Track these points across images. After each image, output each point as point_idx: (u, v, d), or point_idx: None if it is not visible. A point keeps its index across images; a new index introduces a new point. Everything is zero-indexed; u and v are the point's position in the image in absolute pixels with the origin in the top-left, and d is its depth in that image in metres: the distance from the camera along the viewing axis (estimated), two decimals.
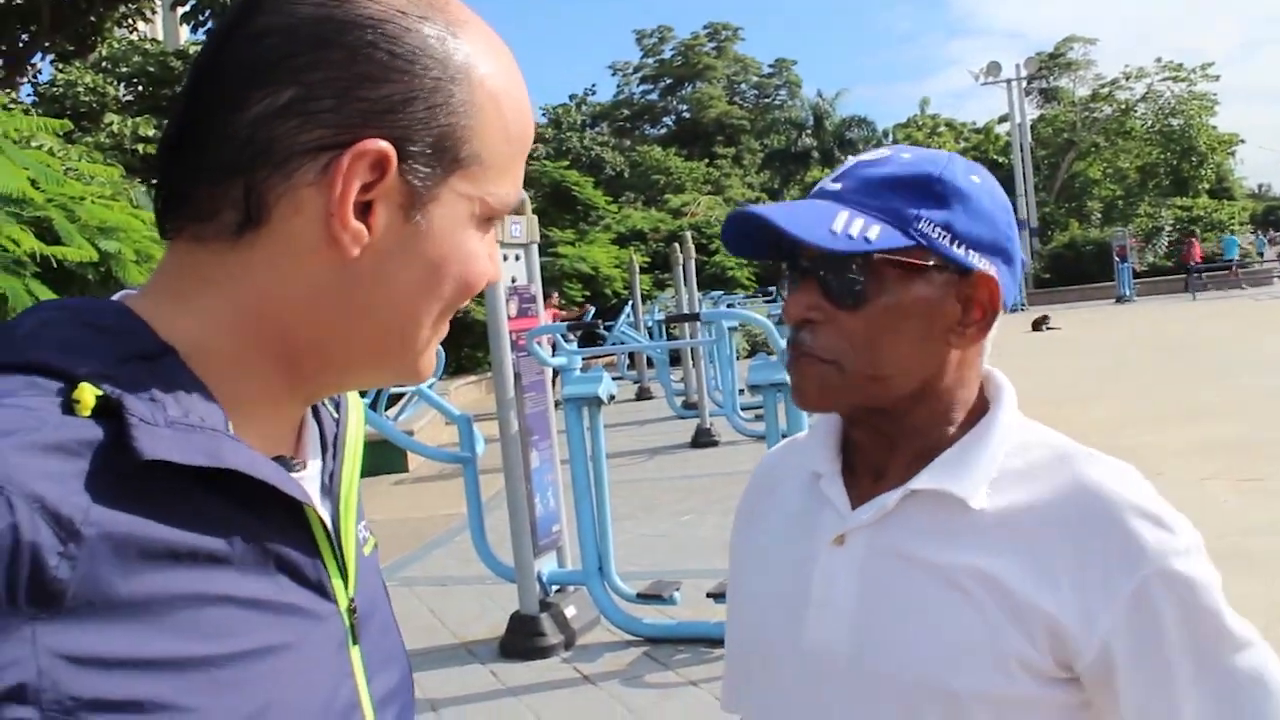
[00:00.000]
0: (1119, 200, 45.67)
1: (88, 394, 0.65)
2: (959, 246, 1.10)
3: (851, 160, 1.16)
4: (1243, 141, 50.28)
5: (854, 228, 1.08)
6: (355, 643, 0.80)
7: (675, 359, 17.27)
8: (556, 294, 20.83)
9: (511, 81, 0.79)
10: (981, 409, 1.18)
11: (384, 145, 0.72)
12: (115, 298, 0.78)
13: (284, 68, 0.71)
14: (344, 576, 0.80)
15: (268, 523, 0.73)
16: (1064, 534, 1.08)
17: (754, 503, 1.35)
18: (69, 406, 0.65)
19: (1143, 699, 1.06)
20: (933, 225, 1.09)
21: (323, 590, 0.77)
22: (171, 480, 0.66)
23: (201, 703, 0.65)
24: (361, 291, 0.75)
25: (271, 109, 0.71)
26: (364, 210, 0.73)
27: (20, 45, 21.15)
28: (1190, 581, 1.05)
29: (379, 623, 0.86)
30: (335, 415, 0.89)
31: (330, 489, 0.83)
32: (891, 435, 1.17)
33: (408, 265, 0.76)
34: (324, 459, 0.84)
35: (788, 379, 1.17)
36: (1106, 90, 48.24)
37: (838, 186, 1.13)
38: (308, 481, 0.80)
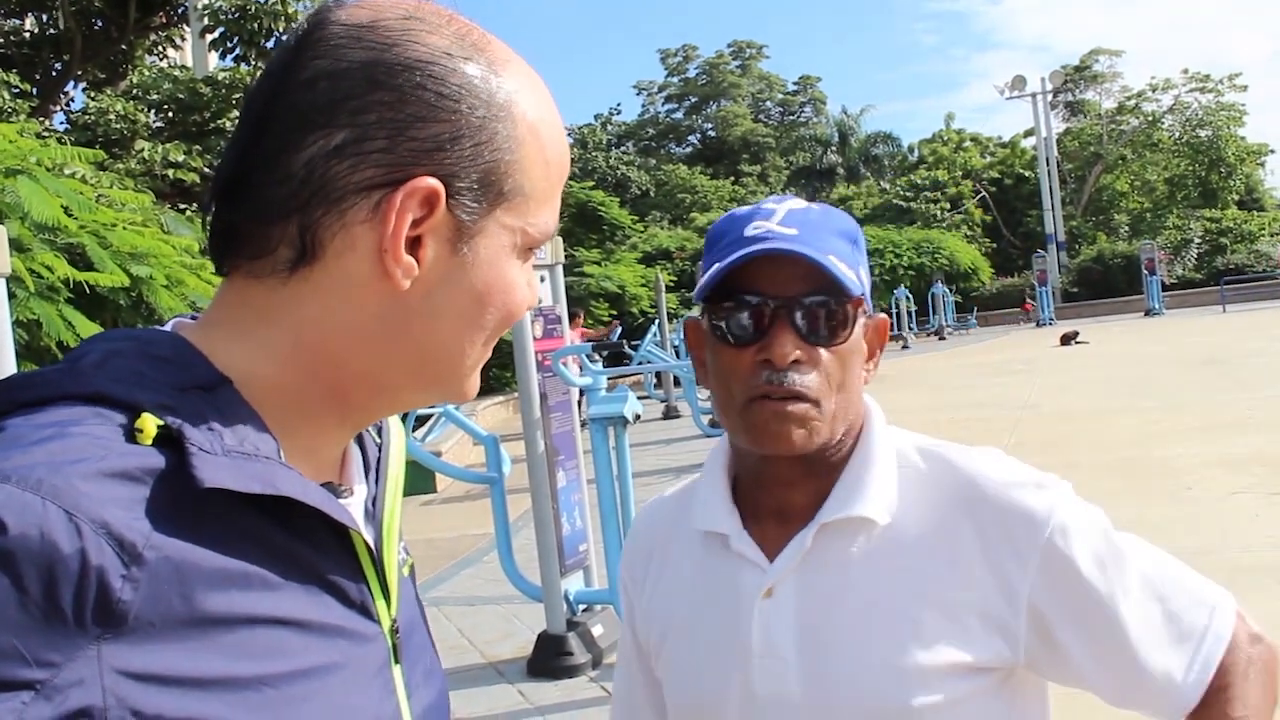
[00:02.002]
0: (1147, 213, 45.25)
1: (149, 423, 0.68)
2: (869, 293, 1.20)
3: (781, 207, 1.20)
4: (1272, 151, 49.55)
5: (844, 271, 1.15)
6: (397, 662, 0.82)
7: None
8: (583, 314, 20.83)
9: (550, 115, 0.82)
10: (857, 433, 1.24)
11: (434, 183, 0.75)
12: (169, 326, 0.81)
13: (337, 110, 0.74)
14: (386, 598, 0.82)
15: (316, 547, 0.75)
16: (964, 525, 1.17)
17: (643, 569, 1.36)
18: (132, 435, 0.68)
19: (1087, 633, 1.15)
20: (865, 272, 1.20)
21: (367, 612, 0.80)
22: (227, 506, 0.69)
23: None
24: (411, 322, 0.78)
25: (325, 150, 0.74)
26: (413, 245, 0.76)
27: (53, 75, 21.47)
28: (1081, 523, 1.17)
29: (418, 642, 0.88)
30: (378, 440, 0.91)
31: (373, 514, 0.86)
32: (814, 474, 1.21)
33: (454, 296, 0.78)
34: (367, 484, 0.87)
35: None
36: (1133, 102, 47.95)
37: (794, 232, 1.16)
38: (353, 507, 0.83)
